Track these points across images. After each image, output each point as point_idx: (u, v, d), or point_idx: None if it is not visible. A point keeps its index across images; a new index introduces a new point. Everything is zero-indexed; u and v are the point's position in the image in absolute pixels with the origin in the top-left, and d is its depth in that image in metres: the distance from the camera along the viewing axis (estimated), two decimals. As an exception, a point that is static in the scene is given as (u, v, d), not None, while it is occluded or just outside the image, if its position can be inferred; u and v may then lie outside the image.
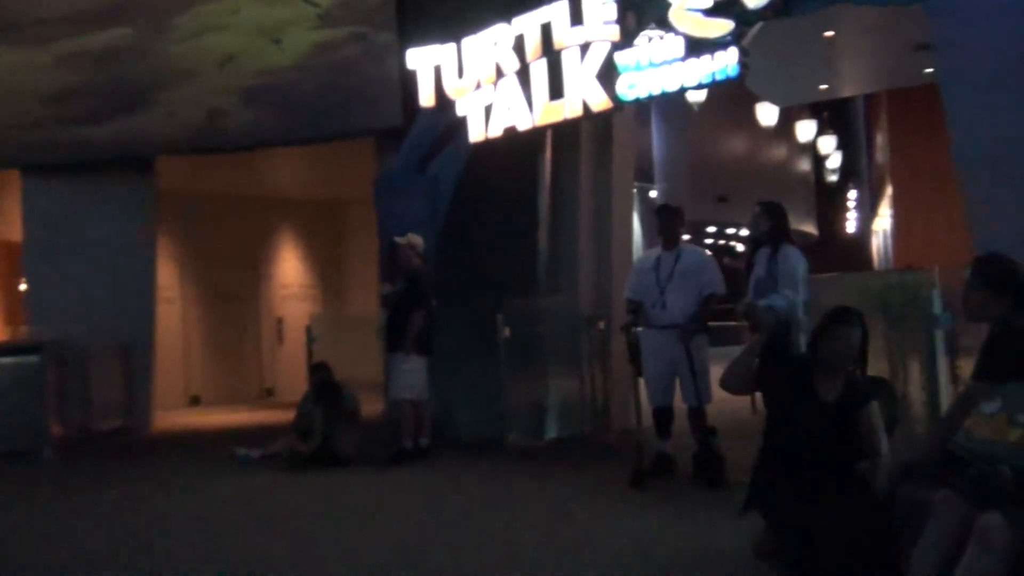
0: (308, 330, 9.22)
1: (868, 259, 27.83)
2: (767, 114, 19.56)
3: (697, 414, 5.94)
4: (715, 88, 15.57)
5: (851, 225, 30.51)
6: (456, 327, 7.94)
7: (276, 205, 13.74)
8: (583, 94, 7.02)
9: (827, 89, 15.42)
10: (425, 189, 8.25)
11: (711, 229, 24.60)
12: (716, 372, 6.25)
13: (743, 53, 6.22)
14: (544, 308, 8.01)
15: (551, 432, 7.99)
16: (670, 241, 6.18)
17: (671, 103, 20.05)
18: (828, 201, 29.27)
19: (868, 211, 28.77)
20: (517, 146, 7.83)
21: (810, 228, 27.24)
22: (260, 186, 12.87)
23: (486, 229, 8.22)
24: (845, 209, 30.02)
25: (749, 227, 5.97)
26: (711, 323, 6.17)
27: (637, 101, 6.82)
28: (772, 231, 5.73)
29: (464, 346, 8.05)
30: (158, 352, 10.72)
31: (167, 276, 12.55)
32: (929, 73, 13.86)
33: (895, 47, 12.25)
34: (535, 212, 8.23)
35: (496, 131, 7.64)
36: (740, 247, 25.00)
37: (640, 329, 6.18)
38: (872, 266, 27.41)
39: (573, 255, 8.32)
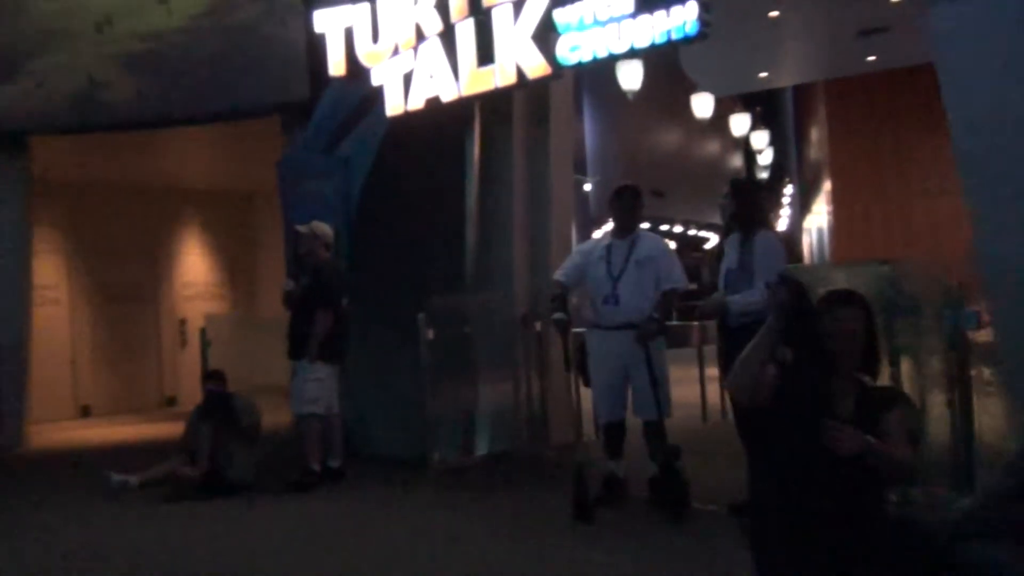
0: (202, 333, 8.09)
1: (799, 257, 27.55)
2: (702, 106, 18.87)
3: (656, 430, 5.03)
4: (651, 76, 14.95)
5: (782, 222, 30.26)
6: (372, 329, 6.93)
7: (177, 194, 12.46)
8: (517, 58, 6.06)
9: (767, 78, 14.89)
10: (335, 171, 7.20)
11: (645, 225, 23.90)
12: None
13: (704, 9, 5.33)
14: (473, 307, 7.05)
15: (482, 448, 7.02)
16: (626, 227, 5.27)
17: (605, 91, 19.31)
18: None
19: (799, 208, 28.51)
20: (441, 122, 6.85)
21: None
22: (158, 172, 11.59)
23: (406, 217, 7.21)
24: (778, 206, 29.73)
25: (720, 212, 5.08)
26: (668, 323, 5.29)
27: (580, 65, 5.89)
28: (741, 213, 4.88)
29: (381, 351, 7.04)
30: (41, 358, 9.48)
31: (52, 274, 11.22)
32: (871, 61, 13.49)
33: (839, 32, 11.74)
34: (462, 198, 7.25)
35: (417, 103, 6.64)
36: (673, 244, 24.39)
37: (585, 330, 5.28)
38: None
39: (506, 247, 7.35)
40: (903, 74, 15.39)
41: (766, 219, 4.75)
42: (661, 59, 16.53)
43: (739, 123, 22.77)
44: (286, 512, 5.68)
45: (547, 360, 7.21)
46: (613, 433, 5.16)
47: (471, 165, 7.29)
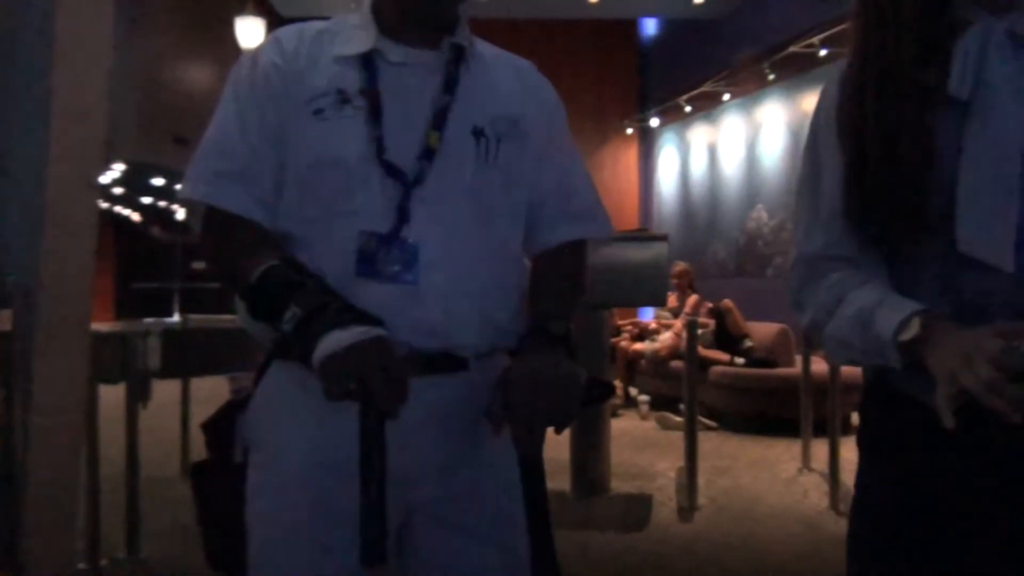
0: None
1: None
2: (250, 33, 15.03)
3: None
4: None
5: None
6: None
7: None
8: None
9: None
10: None
11: (159, 181, 19.43)
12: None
13: None
14: None
15: None
16: (442, 9, 1.29)
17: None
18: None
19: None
20: None
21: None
22: None
23: None
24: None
25: None
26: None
27: None
28: None
29: None
30: None
31: None
32: (595, 4, 10.79)
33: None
34: None
35: None
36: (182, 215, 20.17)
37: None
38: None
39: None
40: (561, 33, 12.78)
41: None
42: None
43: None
44: None
45: (25, 387, 3.25)
46: None
47: None
